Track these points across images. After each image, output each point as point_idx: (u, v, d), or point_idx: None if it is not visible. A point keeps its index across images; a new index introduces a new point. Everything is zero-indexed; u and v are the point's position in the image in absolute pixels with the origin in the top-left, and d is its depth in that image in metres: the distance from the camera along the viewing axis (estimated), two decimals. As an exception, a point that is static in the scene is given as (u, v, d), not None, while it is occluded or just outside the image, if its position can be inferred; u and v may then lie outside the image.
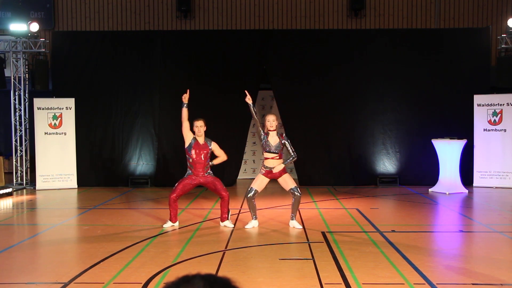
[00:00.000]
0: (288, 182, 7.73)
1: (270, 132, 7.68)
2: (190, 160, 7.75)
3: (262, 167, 7.79)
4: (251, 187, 7.71)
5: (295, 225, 7.80)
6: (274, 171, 7.66)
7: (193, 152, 7.71)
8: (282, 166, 7.66)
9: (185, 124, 7.78)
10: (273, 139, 7.66)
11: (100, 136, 12.65)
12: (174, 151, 12.65)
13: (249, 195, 7.71)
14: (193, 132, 7.79)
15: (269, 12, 15.47)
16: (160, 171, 12.60)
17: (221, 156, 8.01)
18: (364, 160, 12.57)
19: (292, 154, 7.73)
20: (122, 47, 12.77)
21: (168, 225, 7.92)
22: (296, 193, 7.68)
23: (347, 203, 9.97)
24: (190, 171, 7.79)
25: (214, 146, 7.90)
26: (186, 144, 7.78)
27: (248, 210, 7.98)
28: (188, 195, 11.06)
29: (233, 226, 7.91)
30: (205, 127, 7.81)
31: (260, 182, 7.74)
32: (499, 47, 12.63)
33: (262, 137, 7.71)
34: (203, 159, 7.73)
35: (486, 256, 6.16)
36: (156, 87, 12.65)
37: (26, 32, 12.37)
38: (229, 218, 7.97)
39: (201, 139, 7.78)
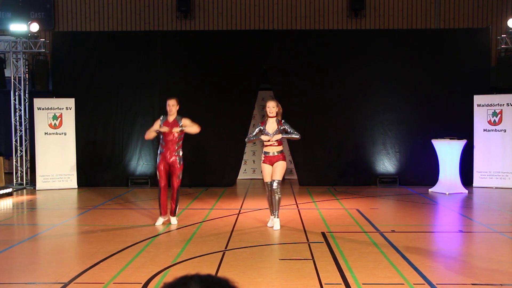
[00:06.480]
0: (276, 171, 7.58)
1: (269, 118, 7.63)
2: (162, 138, 7.84)
3: (262, 155, 7.76)
4: (266, 182, 7.67)
5: (273, 223, 7.67)
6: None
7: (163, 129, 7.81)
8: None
9: (154, 127, 7.93)
10: (271, 126, 7.61)
11: (100, 136, 12.65)
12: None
13: (270, 189, 7.60)
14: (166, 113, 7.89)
15: (269, 12, 15.47)
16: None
17: (194, 126, 7.92)
18: (364, 160, 12.57)
19: (296, 132, 7.63)
20: (122, 47, 12.77)
21: (159, 222, 7.94)
22: (273, 186, 7.53)
23: (347, 203, 9.97)
24: (161, 149, 7.84)
25: (185, 121, 7.84)
26: (158, 125, 7.82)
27: (266, 208, 7.93)
28: (188, 195, 11.06)
29: (176, 222, 7.99)
30: (178, 106, 7.85)
31: (267, 174, 7.64)
32: (499, 47, 12.63)
33: (260, 128, 7.65)
34: (172, 137, 7.75)
35: (486, 256, 6.16)
36: (156, 87, 12.65)
37: (26, 32, 12.37)
38: (175, 213, 8.03)
39: (171, 118, 7.82)
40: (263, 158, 7.69)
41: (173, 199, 7.96)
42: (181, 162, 7.90)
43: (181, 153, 7.90)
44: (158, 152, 7.96)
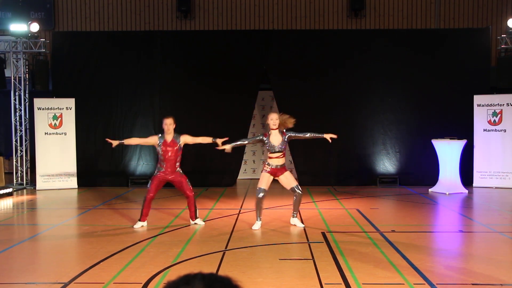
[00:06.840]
0: (289, 180, 7.67)
1: (272, 131, 7.56)
2: (161, 158, 7.77)
3: (266, 165, 7.66)
4: (260, 187, 7.57)
5: (296, 222, 7.79)
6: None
7: (161, 149, 7.73)
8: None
9: (147, 140, 8.01)
10: (275, 138, 7.55)
11: (100, 136, 12.62)
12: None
13: (259, 195, 7.55)
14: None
15: (269, 12, 15.46)
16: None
17: (201, 139, 7.91)
18: (364, 160, 12.57)
19: (308, 133, 7.67)
20: (122, 47, 12.77)
21: (138, 225, 7.85)
22: (297, 191, 7.64)
23: (347, 203, 9.97)
24: (160, 167, 7.80)
25: (184, 139, 7.80)
26: (153, 140, 7.83)
27: (254, 210, 7.82)
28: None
29: (203, 223, 8.01)
30: (174, 125, 7.78)
31: (267, 181, 7.62)
32: (499, 47, 12.63)
33: (264, 140, 7.62)
34: (172, 156, 7.70)
35: (486, 256, 6.16)
36: (156, 87, 12.66)
37: (26, 32, 12.37)
38: (197, 216, 8.02)
39: (169, 137, 7.74)
40: (267, 169, 7.61)
41: (192, 206, 7.93)
42: (182, 174, 7.87)
43: (180, 170, 7.87)
44: (157, 169, 7.88)
